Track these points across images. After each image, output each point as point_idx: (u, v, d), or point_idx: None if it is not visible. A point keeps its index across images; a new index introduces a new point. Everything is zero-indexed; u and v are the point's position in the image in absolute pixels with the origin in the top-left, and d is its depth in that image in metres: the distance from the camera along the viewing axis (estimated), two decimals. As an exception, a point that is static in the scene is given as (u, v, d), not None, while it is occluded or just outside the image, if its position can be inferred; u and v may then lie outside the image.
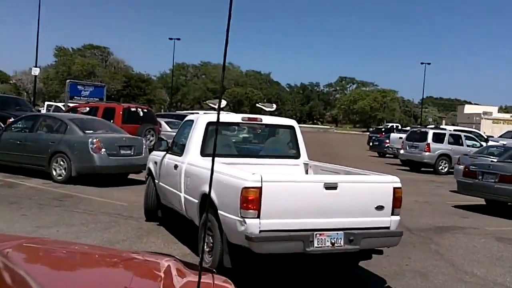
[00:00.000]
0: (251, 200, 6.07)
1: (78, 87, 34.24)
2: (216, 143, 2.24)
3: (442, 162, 25.70)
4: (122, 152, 15.03)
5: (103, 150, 14.56)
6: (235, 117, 8.64)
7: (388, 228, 6.66)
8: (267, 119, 8.71)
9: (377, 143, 37.25)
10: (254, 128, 9.06)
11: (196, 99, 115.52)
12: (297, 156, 8.78)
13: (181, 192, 8.01)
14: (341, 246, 6.35)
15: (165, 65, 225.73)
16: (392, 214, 6.68)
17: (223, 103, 10.09)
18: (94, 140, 14.51)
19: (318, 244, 6.27)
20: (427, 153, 25.73)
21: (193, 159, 7.91)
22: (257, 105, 11.33)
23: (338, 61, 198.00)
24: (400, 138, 30.85)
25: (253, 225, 6.08)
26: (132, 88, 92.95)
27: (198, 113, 25.99)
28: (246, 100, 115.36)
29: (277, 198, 6.15)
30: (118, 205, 11.74)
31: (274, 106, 10.20)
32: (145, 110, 22.89)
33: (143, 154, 15.35)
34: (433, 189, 19.42)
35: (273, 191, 6.14)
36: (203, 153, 8.01)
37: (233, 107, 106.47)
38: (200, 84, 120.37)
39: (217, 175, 6.48)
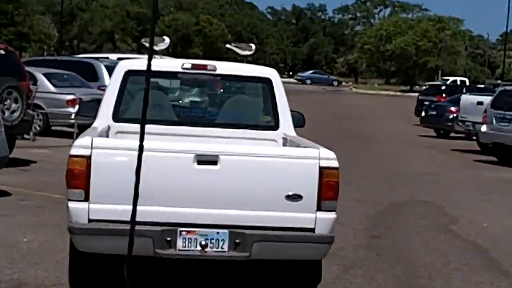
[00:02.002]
0: (76, 174, 4.89)
1: None
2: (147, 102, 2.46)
3: None
4: None
5: None
6: (173, 64, 6.85)
7: (311, 230, 5.06)
8: (224, 68, 6.75)
9: (433, 112, 25.67)
10: (209, 83, 7.35)
11: (105, 34, 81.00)
12: (273, 126, 6.68)
13: None
14: (222, 251, 4.99)
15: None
16: (319, 209, 5.06)
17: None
18: None
19: (183, 246, 4.96)
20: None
21: (99, 125, 6.28)
22: (227, 45, 9.15)
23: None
24: (479, 103, 20.74)
25: (78, 210, 4.90)
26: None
27: (107, 58, 21.97)
28: (197, 36, 79.11)
29: (116, 173, 4.89)
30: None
31: (253, 47, 8.71)
32: (1, 52, 14.33)
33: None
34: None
35: (110, 163, 4.94)
36: (117, 117, 6.45)
37: (174, 49, 74.16)
38: (114, 8, 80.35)
39: None
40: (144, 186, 4.47)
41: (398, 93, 70.39)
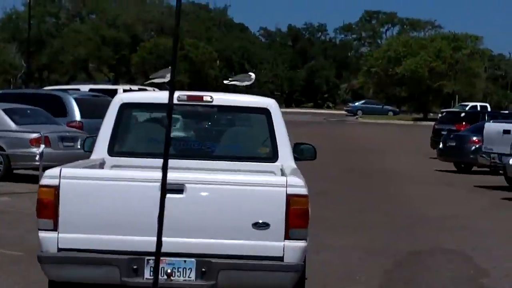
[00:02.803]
0: (45, 204, 5.60)
1: None
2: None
3: None
4: None
5: None
6: (166, 96, 6.18)
7: (279, 258, 5.62)
8: (221, 99, 7.50)
9: (453, 143, 25.07)
10: (203, 114, 7.97)
11: (79, 61, 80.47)
12: (271, 157, 7.27)
13: None
14: (189, 279, 5.63)
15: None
16: (287, 237, 5.63)
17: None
18: None
19: (151, 275, 5.59)
20: None
21: (94, 159, 7.15)
22: (225, 82, 9.99)
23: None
24: (506, 132, 20.29)
25: (48, 240, 5.61)
26: None
27: (77, 90, 22.10)
28: (182, 62, 76.92)
29: (85, 202, 5.64)
30: None
31: (252, 76, 9.33)
32: None
33: None
34: None
35: (79, 193, 5.64)
36: (113, 151, 7.21)
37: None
38: (88, 33, 79.84)
39: None
40: (110, 215, 5.57)
41: (411, 122, 70.50)
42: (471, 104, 61.07)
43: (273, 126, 7.24)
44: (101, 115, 19.44)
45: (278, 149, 7.21)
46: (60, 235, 5.60)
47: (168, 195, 5.01)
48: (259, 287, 5.77)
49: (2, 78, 72.30)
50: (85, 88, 22.87)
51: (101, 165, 7.03)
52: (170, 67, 11.80)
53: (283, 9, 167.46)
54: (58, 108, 18.80)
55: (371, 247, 10.69)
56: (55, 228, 5.59)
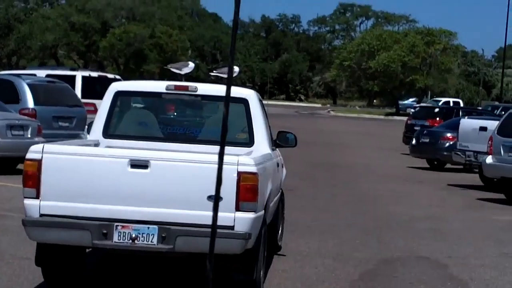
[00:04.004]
0: (29, 175, 6.53)
1: None
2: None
3: None
4: None
5: None
6: (157, 86, 8.65)
7: (231, 227, 6.49)
8: (204, 89, 8.37)
9: (426, 139, 24.16)
10: (188, 103, 8.75)
11: (47, 47, 78.60)
12: (248, 142, 8.15)
13: None
14: (152, 244, 6.50)
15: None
16: (238, 209, 6.53)
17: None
18: None
19: (118, 239, 6.49)
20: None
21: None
22: (211, 74, 10.91)
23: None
24: (482, 129, 19.58)
25: (31, 206, 6.54)
26: None
27: (33, 75, 20.85)
28: (153, 49, 76.57)
29: (64, 175, 6.55)
30: None
31: (236, 69, 9.78)
32: None
33: None
34: None
35: (59, 166, 6.56)
36: (107, 133, 8.19)
37: (126, 65, 76.35)
38: (57, 19, 77.30)
39: None
40: (85, 186, 6.51)
41: (383, 117, 69.97)
42: (444, 99, 60.55)
43: (250, 114, 8.14)
44: (57, 102, 18.72)
45: (254, 135, 8.13)
46: (41, 202, 6.52)
47: (135, 170, 6.48)
48: (209, 250, 5.94)
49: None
50: (41, 73, 21.55)
51: (96, 145, 7.89)
52: (188, 61, 12.58)
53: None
54: (10, 94, 17.61)
55: (335, 252, 9.81)
56: (37, 196, 6.51)
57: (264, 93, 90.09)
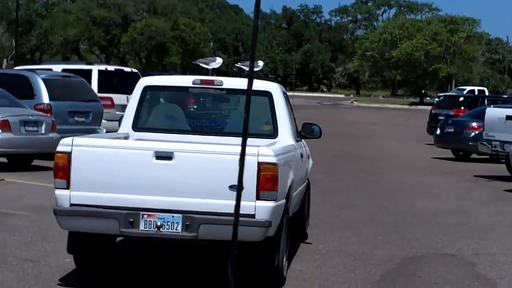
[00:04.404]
0: (60, 167, 6.87)
1: None
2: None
3: None
4: None
5: None
6: (183, 80, 8.98)
7: (252, 216, 6.72)
8: (229, 83, 8.70)
9: (451, 129, 23.95)
10: (214, 96, 9.04)
11: (69, 42, 77.81)
12: (272, 134, 8.48)
13: None
14: (176, 232, 6.77)
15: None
16: (258, 198, 6.77)
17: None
18: None
19: (144, 227, 6.79)
20: None
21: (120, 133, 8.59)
22: (236, 65, 11.71)
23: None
24: (508, 117, 19.05)
25: (62, 197, 6.87)
26: None
27: (49, 70, 20.49)
28: (175, 42, 75.45)
29: (92, 166, 6.87)
30: None
31: (260, 63, 10.40)
32: None
33: None
34: None
35: (87, 158, 6.89)
36: (137, 126, 8.53)
37: (148, 59, 76.30)
38: (78, 13, 76.82)
39: None
40: (112, 177, 6.83)
41: (407, 106, 69.39)
42: (468, 88, 59.74)
43: (274, 107, 8.44)
44: (72, 97, 18.39)
45: (278, 127, 8.40)
46: (71, 192, 6.83)
47: (160, 161, 6.80)
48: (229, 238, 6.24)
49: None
50: (57, 68, 21.23)
51: (126, 138, 8.26)
52: (215, 57, 12.34)
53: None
54: (25, 89, 17.34)
55: (355, 251, 9.39)
56: (67, 187, 6.83)
57: (286, 84, 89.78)
